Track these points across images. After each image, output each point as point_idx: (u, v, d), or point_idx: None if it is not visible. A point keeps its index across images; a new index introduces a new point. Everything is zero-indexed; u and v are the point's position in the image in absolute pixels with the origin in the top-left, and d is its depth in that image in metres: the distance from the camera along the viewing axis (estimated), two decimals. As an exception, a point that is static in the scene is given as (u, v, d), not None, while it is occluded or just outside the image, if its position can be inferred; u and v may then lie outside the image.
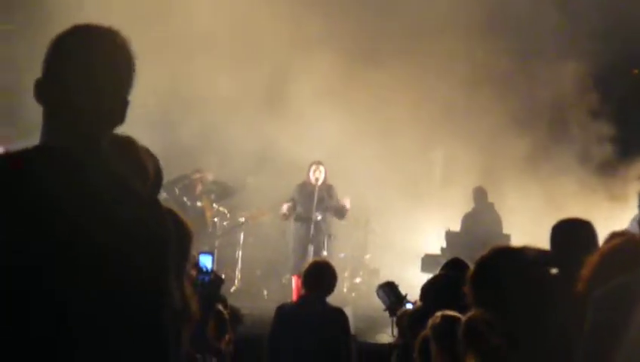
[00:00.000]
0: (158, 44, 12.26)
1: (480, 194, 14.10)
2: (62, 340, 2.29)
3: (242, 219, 15.13)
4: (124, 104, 2.58)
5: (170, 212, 2.61)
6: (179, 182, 14.32)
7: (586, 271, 3.56)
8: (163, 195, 13.57)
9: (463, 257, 7.10)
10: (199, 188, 14.66)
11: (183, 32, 13.61)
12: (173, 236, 2.56)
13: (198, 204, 14.58)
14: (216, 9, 13.75)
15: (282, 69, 14.40)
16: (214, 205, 14.89)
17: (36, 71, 2.50)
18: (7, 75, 12.70)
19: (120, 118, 2.58)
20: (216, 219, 14.97)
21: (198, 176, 14.62)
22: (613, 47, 14.79)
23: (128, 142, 3.22)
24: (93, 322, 2.34)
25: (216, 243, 14.76)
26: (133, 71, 2.59)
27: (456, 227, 14.10)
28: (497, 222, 13.76)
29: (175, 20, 13.56)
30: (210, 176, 14.81)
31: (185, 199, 14.29)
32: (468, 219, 13.94)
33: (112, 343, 2.37)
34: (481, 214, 13.83)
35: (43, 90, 2.51)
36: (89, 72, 2.50)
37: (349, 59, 14.39)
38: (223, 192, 14.92)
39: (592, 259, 3.60)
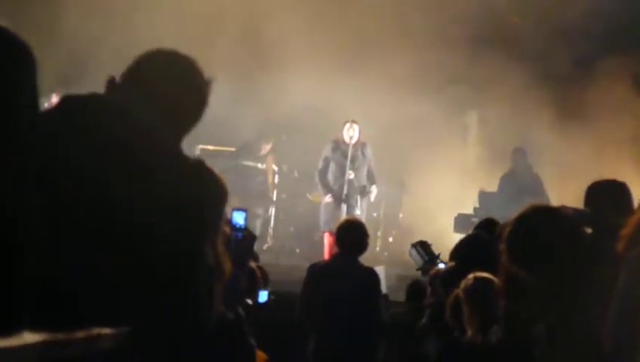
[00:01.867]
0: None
1: (518, 156, 13.98)
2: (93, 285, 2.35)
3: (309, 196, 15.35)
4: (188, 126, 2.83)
5: (210, 171, 2.71)
6: (244, 148, 14.87)
7: (626, 231, 3.52)
8: (230, 163, 14.07)
9: (496, 217, 7.08)
10: (262, 152, 15.01)
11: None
12: (214, 196, 2.65)
13: (260, 166, 14.92)
14: None
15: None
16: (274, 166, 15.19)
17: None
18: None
19: (184, 125, 2.82)
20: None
21: (262, 144, 15.01)
22: None
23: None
24: (128, 273, 2.40)
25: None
26: (205, 101, 2.87)
27: (489, 187, 14.03)
28: (536, 183, 13.64)
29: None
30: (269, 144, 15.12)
31: (250, 163, 14.74)
32: (504, 180, 13.84)
33: (146, 296, 2.42)
34: (520, 175, 13.72)
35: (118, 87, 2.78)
36: (165, 87, 2.80)
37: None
38: None
39: (633, 219, 3.56)
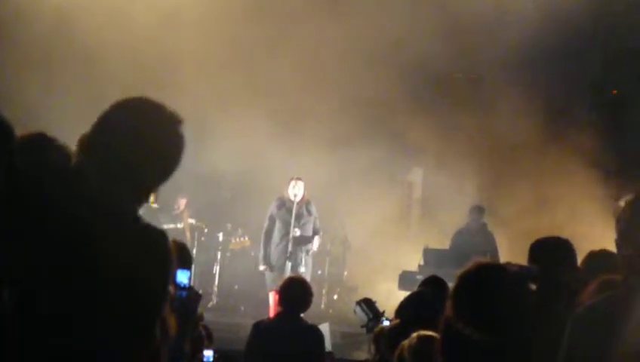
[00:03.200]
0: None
1: (474, 213, 14.01)
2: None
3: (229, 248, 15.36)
4: (163, 177, 2.82)
5: (160, 236, 2.68)
6: (162, 210, 14.75)
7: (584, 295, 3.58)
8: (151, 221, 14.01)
9: (441, 275, 7.11)
10: (178, 210, 15.15)
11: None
12: (162, 263, 2.63)
13: (179, 225, 14.95)
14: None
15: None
16: (190, 221, 15.15)
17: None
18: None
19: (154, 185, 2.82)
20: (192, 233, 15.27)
21: (178, 200, 15.16)
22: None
23: None
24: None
25: (195, 259, 14.89)
26: (178, 146, 2.81)
27: (434, 244, 14.10)
28: (489, 241, 13.68)
29: None
30: (185, 199, 15.22)
31: (169, 226, 14.68)
32: (457, 236, 13.88)
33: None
34: (473, 232, 13.77)
35: (91, 146, 2.71)
36: (138, 145, 2.71)
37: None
38: None
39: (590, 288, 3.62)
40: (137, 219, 2.69)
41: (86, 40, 12.91)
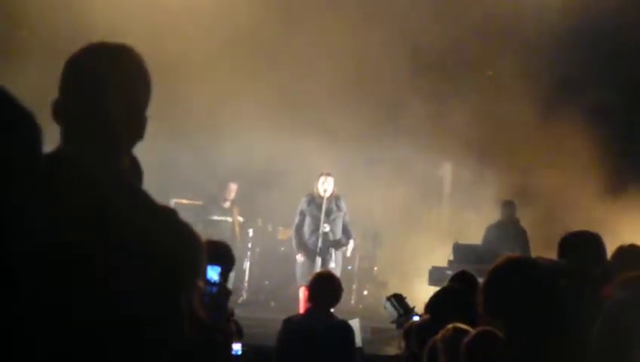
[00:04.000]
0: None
1: (506, 208, 13.95)
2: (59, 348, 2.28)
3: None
4: (142, 120, 2.61)
5: (185, 224, 2.61)
6: (210, 201, 14.92)
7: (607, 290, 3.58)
8: (199, 218, 14.13)
9: (470, 270, 7.10)
10: (227, 203, 15.06)
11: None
12: (189, 249, 2.55)
13: (229, 219, 14.95)
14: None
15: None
16: (239, 217, 15.18)
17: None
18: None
19: (138, 134, 2.61)
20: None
21: (228, 186, 15.04)
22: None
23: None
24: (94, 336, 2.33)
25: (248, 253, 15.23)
26: (149, 86, 2.62)
27: (464, 240, 14.06)
28: (521, 236, 13.61)
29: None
30: (235, 184, 15.10)
31: (217, 218, 14.78)
32: (489, 231, 13.82)
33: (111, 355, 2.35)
34: (505, 227, 13.70)
35: (61, 109, 2.53)
36: (106, 89, 2.53)
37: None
38: None
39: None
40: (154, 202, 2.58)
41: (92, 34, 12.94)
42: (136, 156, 2.72)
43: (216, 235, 13.89)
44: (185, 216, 2.71)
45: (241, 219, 15.25)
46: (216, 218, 14.79)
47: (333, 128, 14.07)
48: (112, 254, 2.36)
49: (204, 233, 12.01)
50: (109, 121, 2.53)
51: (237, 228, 15.05)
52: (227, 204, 15.05)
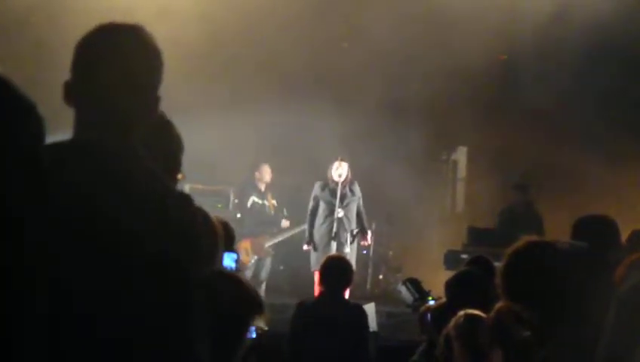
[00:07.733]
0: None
1: (518, 191, 13.87)
2: (75, 329, 2.29)
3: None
4: (155, 99, 2.61)
5: (200, 209, 2.61)
6: (246, 184, 14.65)
7: (619, 271, 3.56)
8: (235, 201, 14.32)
9: (485, 254, 7.10)
10: (262, 185, 14.68)
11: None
12: (204, 232, 2.55)
13: (266, 202, 14.65)
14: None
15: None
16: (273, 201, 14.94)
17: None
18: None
19: (152, 114, 2.61)
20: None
21: (260, 168, 14.63)
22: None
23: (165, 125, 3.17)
24: (115, 315, 2.33)
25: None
26: (162, 66, 2.61)
27: (479, 224, 14.03)
28: (535, 219, 13.55)
29: None
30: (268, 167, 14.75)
31: (257, 198, 14.53)
32: (502, 214, 13.77)
33: (129, 332, 2.35)
34: (518, 210, 13.64)
35: (74, 92, 2.52)
36: (119, 69, 2.51)
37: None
38: None
39: (627, 260, 3.59)
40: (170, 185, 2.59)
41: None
42: None
43: (261, 219, 14.03)
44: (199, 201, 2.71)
45: (274, 202, 14.88)
46: (257, 199, 14.56)
47: (348, 111, 14.05)
48: (128, 234, 2.37)
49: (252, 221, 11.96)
50: (123, 103, 2.52)
51: (273, 212, 14.82)
52: (263, 188, 14.66)
